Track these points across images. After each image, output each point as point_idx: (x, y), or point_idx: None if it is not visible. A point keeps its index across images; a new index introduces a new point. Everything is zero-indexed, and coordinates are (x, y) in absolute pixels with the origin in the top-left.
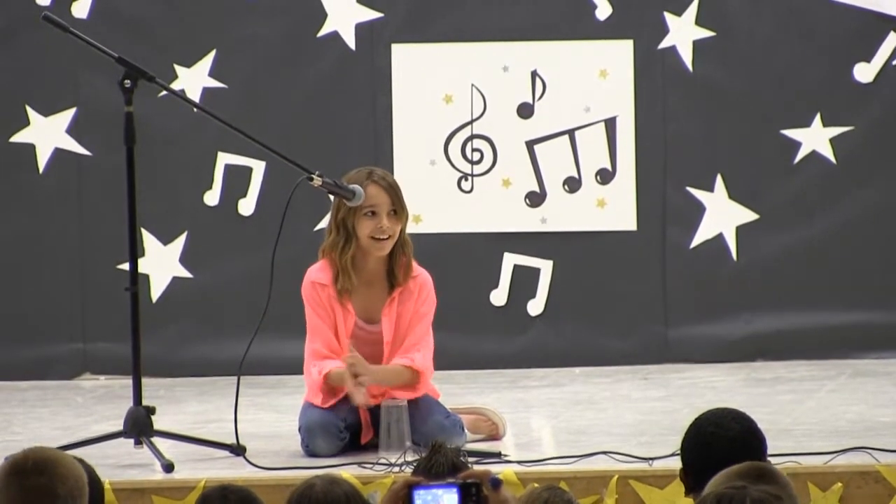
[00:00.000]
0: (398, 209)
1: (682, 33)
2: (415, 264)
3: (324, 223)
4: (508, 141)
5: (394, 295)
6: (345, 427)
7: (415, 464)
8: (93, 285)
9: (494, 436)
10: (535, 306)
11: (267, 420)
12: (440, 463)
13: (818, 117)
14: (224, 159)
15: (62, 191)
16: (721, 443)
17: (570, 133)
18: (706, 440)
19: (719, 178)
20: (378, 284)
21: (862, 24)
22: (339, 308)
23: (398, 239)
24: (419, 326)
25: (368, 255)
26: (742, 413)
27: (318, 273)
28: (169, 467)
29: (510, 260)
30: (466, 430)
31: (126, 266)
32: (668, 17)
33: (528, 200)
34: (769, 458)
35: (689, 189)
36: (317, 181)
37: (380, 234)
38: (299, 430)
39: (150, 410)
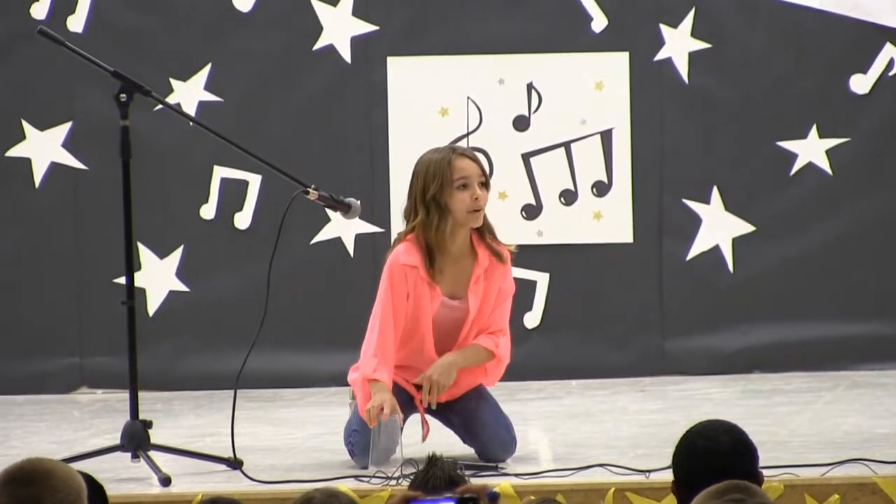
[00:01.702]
0: (486, 179)
1: (678, 45)
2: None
3: (320, 236)
4: (504, 153)
5: (478, 273)
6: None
7: (411, 477)
8: (89, 299)
9: None
10: (532, 319)
11: (264, 433)
12: (437, 476)
13: (814, 129)
14: (220, 173)
15: (58, 205)
16: (712, 456)
17: (567, 145)
18: (697, 453)
19: (715, 190)
20: (465, 259)
21: (858, 36)
22: (426, 289)
23: None
24: (503, 307)
25: (460, 230)
26: (732, 425)
27: (406, 256)
28: (166, 481)
29: None
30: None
31: (122, 280)
32: (664, 28)
33: (524, 213)
34: (762, 470)
35: (685, 201)
36: (313, 194)
37: (476, 206)
38: (351, 430)
39: (147, 424)
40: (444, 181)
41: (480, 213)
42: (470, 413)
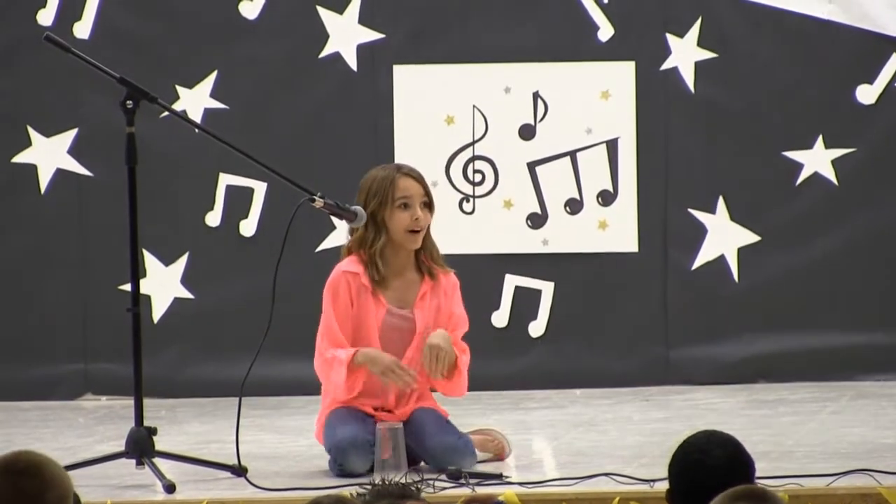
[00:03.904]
0: (429, 200)
1: (684, 55)
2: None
3: (325, 244)
4: (510, 162)
5: (425, 289)
6: (373, 443)
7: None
8: (94, 306)
9: (500, 455)
10: (537, 328)
11: (268, 441)
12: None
13: (820, 139)
14: (225, 180)
15: (64, 211)
16: (706, 470)
17: (572, 154)
18: (691, 467)
19: (721, 200)
20: (409, 275)
21: (864, 46)
22: (369, 298)
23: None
24: (460, 331)
25: (400, 249)
26: (727, 438)
27: (348, 265)
28: (170, 488)
29: (511, 281)
30: (477, 451)
31: (127, 287)
32: (670, 38)
33: (529, 222)
34: (767, 480)
35: (690, 210)
36: (318, 202)
37: (415, 227)
38: (328, 451)
39: (152, 431)
40: (384, 199)
41: (419, 234)
42: (416, 427)
